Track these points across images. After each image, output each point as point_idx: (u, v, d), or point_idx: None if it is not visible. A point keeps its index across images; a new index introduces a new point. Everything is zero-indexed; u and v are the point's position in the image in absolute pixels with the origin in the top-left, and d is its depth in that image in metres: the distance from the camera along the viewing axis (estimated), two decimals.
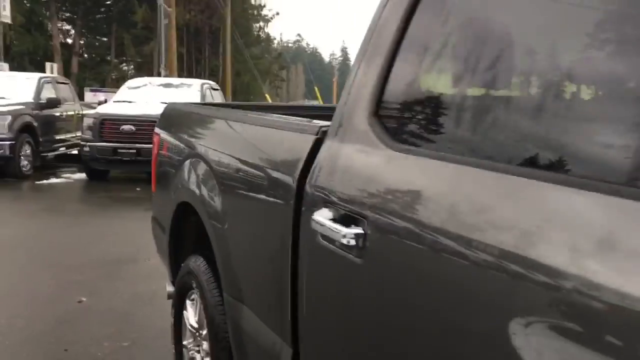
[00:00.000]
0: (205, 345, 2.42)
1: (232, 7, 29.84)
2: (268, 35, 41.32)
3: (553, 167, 0.98)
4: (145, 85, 11.16)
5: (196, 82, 11.71)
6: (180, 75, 23.45)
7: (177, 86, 11.14)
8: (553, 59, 1.10)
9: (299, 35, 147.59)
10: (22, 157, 9.98)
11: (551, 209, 0.90)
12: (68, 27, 33.39)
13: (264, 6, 39.96)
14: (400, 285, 1.18)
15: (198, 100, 10.51)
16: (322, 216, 1.41)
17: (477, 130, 1.21)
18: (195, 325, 2.51)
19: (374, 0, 1.54)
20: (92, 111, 10.52)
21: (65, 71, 31.01)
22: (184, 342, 2.66)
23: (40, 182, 9.79)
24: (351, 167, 1.44)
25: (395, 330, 1.19)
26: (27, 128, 10.17)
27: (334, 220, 1.37)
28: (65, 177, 10.43)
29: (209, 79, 28.68)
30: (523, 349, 0.86)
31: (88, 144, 9.62)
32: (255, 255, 1.95)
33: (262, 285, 1.88)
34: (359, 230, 1.28)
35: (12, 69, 22.94)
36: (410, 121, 1.45)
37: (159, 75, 16.89)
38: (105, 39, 34.43)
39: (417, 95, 1.45)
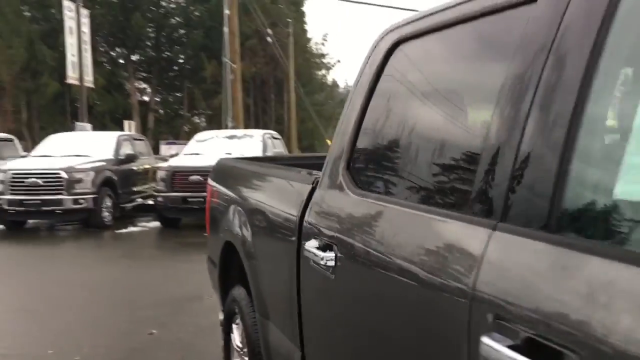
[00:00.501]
0: None
1: (294, 58, 31.17)
2: (334, 81, 42.53)
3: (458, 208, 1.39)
4: (212, 138, 12.06)
5: (258, 133, 12.52)
6: (247, 125, 24.67)
7: (240, 137, 11.97)
8: (455, 126, 1.56)
9: None
10: (103, 209, 10.98)
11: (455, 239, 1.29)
12: (144, 85, 35.75)
13: (326, 54, 41.33)
14: (359, 294, 1.65)
15: (260, 149, 11.28)
16: (311, 245, 1.91)
17: (405, 182, 1.68)
18: (240, 345, 3.01)
19: None
20: (164, 164, 11.45)
21: (143, 126, 33.14)
22: None
23: (120, 231, 10.71)
24: (329, 207, 1.94)
25: (360, 329, 1.65)
26: (108, 182, 11.19)
27: (318, 247, 1.86)
28: (141, 226, 11.33)
29: (275, 127, 29.96)
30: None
31: (161, 194, 10.50)
32: (274, 279, 2.45)
33: (280, 303, 2.37)
34: (332, 254, 1.76)
35: (95, 127, 24.94)
36: (366, 174, 1.93)
37: (226, 127, 17.97)
38: (179, 94, 36.57)
39: (372, 155, 1.94)
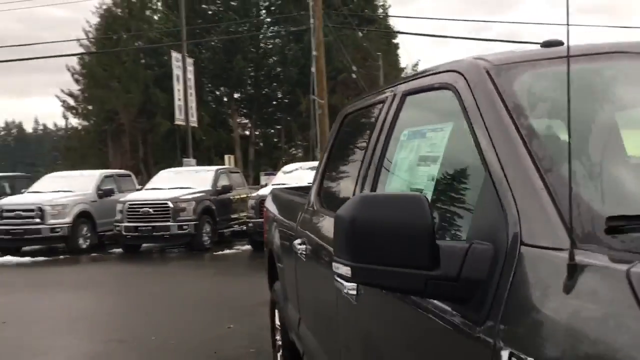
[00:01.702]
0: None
1: None
2: None
3: None
4: (297, 169, 13.44)
5: None
6: None
7: None
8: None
9: None
10: (203, 234, 12.62)
11: None
12: (246, 120, 38.34)
13: None
14: (316, 271, 2.77)
15: None
16: (297, 243, 3.06)
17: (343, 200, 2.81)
18: (278, 324, 4.18)
19: None
20: (254, 194, 12.96)
21: (244, 159, 35.55)
22: (276, 337, 4.33)
23: (217, 252, 12.28)
24: (307, 219, 3.09)
25: (318, 295, 2.77)
26: (207, 210, 12.85)
27: (300, 244, 3.01)
28: (235, 249, 12.85)
29: None
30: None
31: (251, 220, 11.96)
32: (287, 271, 3.62)
33: (290, 287, 3.53)
34: (304, 246, 2.90)
35: (201, 161, 27.39)
36: (325, 196, 3.06)
37: (314, 158, 19.40)
38: (277, 127, 38.85)
39: (330, 185, 3.07)
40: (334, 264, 1.40)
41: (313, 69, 19.36)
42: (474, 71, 1.66)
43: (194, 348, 5.35)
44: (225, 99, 37.52)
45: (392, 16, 40.29)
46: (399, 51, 45.99)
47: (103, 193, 14.00)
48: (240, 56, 33.03)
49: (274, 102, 37.97)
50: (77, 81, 34.91)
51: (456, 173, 1.64)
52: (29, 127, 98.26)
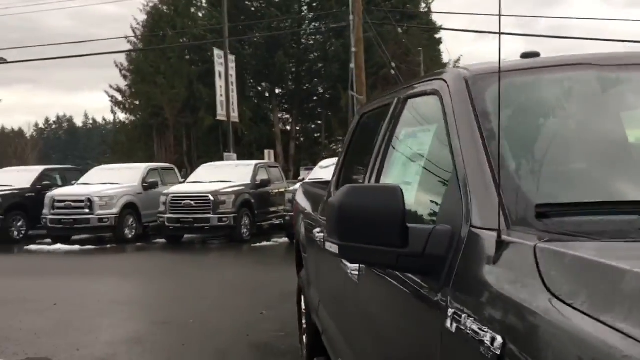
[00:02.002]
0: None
1: None
2: None
3: None
4: (333, 164, 13.69)
5: None
6: None
7: None
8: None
9: None
10: (242, 226, 13.06)
11: None
12: (287, 116, 38.84)
13: None
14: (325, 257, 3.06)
15: None
16: (317, 231, 3.35)
17: None
18: (304, 308, 4.49)
19: None
20: (291, 188, 13.32)
21: (285, 154, 36.04)
22: (302, 321, 4.64)
23: (255, 244, 12.70)
24: (325, 208, 3.37)
25: (329, 278, 3.06)
26: (246, 204, 13.27)
27: (319, 232, 3.30)
28: (273, 241, 13.24)
29: None
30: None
31: (288, 214, 12.31)
32: (310, 259, 3.91)
33: (312, 273, 3.83)
34: (322, 234, 3.19)
35: (243, 155, 27.98)
36: None
37: None
38: (319, 122, 39.21)
39: (347, 177, 3.35)
40: (326, 243, 1.69)
41: (352, 65, 19.58)
42: (456, 80, 1.92)
43: (228, 331, 5.71)
44: (267, 95, 38.07)
45: (433, 12, 39.97)
46: (442, 46, 45.76)
47: (148, 185, 14.60)
48: (282, 52, 33.45)
49: (315, 98, 38.33)
50: (125, 77, 36.04)
51: (434, 168, 1.90)
52: (79, 121, 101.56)
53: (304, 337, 4.44)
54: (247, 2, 35.31)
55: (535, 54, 2.02)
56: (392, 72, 24.43)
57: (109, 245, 13.30)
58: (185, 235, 13.78)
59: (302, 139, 39.30)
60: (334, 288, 3.00)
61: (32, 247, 13.34)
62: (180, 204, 12.82)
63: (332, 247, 1.63)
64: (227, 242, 13.18)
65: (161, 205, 13.11)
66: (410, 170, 2.13)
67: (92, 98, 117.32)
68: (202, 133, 33.75)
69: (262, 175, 14.36)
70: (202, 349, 5.18)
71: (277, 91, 37.73)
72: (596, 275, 1.03)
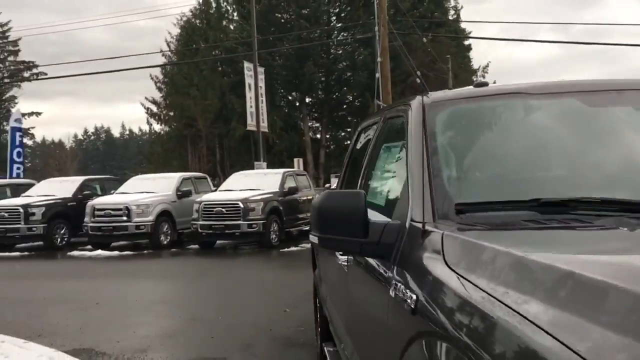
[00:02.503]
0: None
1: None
2: None
3: None
4: None
5: None
6: None
7: None
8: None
9: None
10: (271, 232, 13.61)
11: None
12: (317, 124, 39.47)
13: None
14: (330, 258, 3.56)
15: None
16: None
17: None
18: (318, 304, 4.98)
19: None
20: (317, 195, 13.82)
21: (315, 161, 36.62)
22: (317, 314, 5.13)
23: (283, 249, 13.24)
24: None
25: (333, 279, 3.55)
26: (274, 210, 13.83)
27: None
28: (301, 246, 13.74)
29: None
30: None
31: None
32: (321, 258, 4.41)
33: (322, 271, 4.32)
34: None
35: (274, 163, 28.65)
36: None
37: None
38: (349, 130, 39.73)
39: (347, 185, 3.83)
40: (310, 235, 2.19)
41: (378, 75, 20.03)
42: (416, 106, 2.40)
43: (253, 326, 6.24)
44: (297, 104, 38.77)
45: (461, 21, 40.13)
46: (471, 52, 45.84)
47: (182, 194, 15.31)
48: (311, 62, 34.11)
49: (344, 106, 38.87)
50: (159, 89, 37.23)
51: (398, 177, 2.38)
52: (116, 132, 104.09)
53: (318, 330, 4.93)
54: (277, 15, 36.12)
55: (484, 84, 2.49)
56: (418, 80, 24.75)
57: (145, 251, 14.02)
58: (217, 241, 14.40)
59: (332, 147, 39.83)
60: (335, 280, 3.48)
61: (75, 253, 14.15)
62: (212, 211, 13.45)
63: (314, 239, 2.13)
64: (256, 247, 13.76)
65: (194, 212, 13.76)
66: (384, 178, 2.62)
67: (129, 109, 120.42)
68: (235, 142, 34.59)
69: (290, 183, 14.91)
70: (228, 341, 5.71)
71: (307, 100, 38.40)
72: (471, 251, 1.51)
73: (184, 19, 36.49)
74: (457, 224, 1.77)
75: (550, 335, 1.03)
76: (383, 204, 2.47)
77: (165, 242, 14.57)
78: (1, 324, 6.48)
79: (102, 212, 14.32)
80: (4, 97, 49.17)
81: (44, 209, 15.01)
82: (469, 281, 1.41)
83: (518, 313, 1.15)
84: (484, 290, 1.33)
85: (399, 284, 1.78)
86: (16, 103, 49.08)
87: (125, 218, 14.14)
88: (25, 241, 15.33)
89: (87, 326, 6.52)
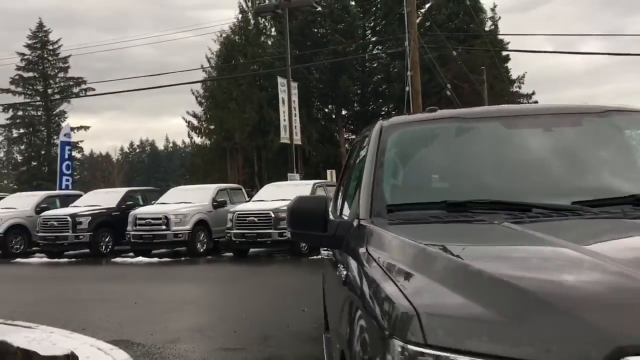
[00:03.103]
0: None
1: (489, 103, 32.69)
2: None
3: None
4: None
5: None
6: None
7: None
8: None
9: None
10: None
11: None
12: (352, 136, 40.06)
13: (527, 94, 41.86)
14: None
15: None
16: None
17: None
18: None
19: None
20: None
21: None
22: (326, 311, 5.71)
23: (312, 257, 13.81)
24: None
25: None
26: None
27: None
28: None
29: None
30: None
31: None
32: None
33: (323, 271, 4.91)
34: None
35: (310, 175, 29.34)
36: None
37: None
38: None
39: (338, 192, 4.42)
40: (290, 229, 2.79)
41: (407, 88, 20.52)
42: (376, 127, 2.99)
43: (273, 323, 6.85)
44: (333, 116, 39.49)
45: (497, 34, 40.21)
46: (515, 62, 45.74)
47: (217, 204, 16.10)
48: (346, 76, 34.78)
49: (380, 118, 39.32)
50: (200, 104, 38.50)
51: (359, 185, 2.97)
52: (160, 145, 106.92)
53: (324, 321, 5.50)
54: (313, 30, 36.99)
55: (434, 110, 3.05)
56: (448, 93, 25.14)
57: (183, 258, 14.84)
58: (251, 249, 15.10)
59: None
60: (324, 274, 4.07)
61: (118, 259, 15.09)
62: (245, 220, 14.16)
63: (288, 233, 2.74)
64: (288, 255, 14.39)
65: (228, 221, 14.50)
66: (353, 186, 3.21)
67: (173, 122, 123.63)
68: (272, 154, 35.46)
69: (320, 193, 15.51)
70: (249, 335, 6.34)
71: (343, 113, 39.07)
72: (380, 239, 2.08)
73: (224, 35, 37.73)
74: (387, 219, 2.35)
75: (407, 299, 1.54)
76: (349, 206, 3.06)
77: (201, 250, 15.35)
78: (51, 319, 7.26)
79: (143, 222, 15.21)
80: (54, 112, 51.50)
81: (90, 218, 16.02)
82: (374, 260, 1.98)
83: (394, 282, 1.70)
84: (380, 267, 1.89)
85: (341, 265, 2.36)
86: (66, 117, 51.35)
87: (164, 227, 14.99)
88: (73, 248, 16.37)
89: (125, 322, 7.25)
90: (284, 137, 20.39)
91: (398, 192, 2.56)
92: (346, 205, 3.32)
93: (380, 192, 2.51)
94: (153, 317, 7.55)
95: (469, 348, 1.31)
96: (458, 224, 2.14)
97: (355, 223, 2.49)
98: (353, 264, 2.17)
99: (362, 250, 2.12)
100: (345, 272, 2.20)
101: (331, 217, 2.70)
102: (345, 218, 2.93)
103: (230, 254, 15.10)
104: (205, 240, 15.60)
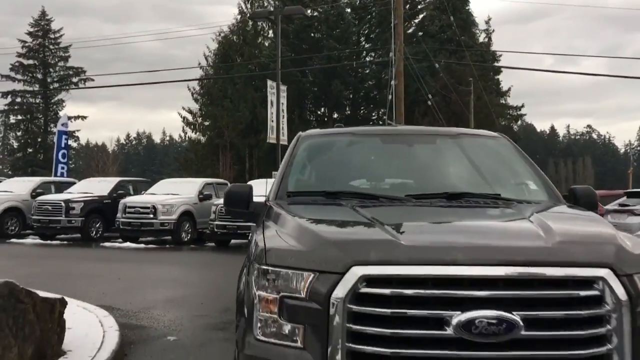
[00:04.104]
0: None
1: (475, 114, 33.89)
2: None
3: None
4: None
5: None
6: None
7: None
8: None
9: (589, 126, 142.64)
10: None
11: None
12: None
13: (514, 106, 43.05)
14: None
15: None
16: None
17: None
18: None
19: None
20: None
21: None
22: None
23: None
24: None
25: None
26: None
27: None
28: None
29: None
30: None
31: None
32: None
33: None
34: None
35: None
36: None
37: None
38: None
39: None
40: (224, 207, 3.87)
41: (390, 97, 21.61)
42: (296, 137, 4.06)
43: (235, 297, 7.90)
44: (325, 119, 40.59)
45: (484, 50, 41.35)
46: (513, 74, 46.96)
47: (203, 197, 17.16)
48: (339, 80, 35.90)
49: (371, 122, 40.47)
50: (196, 100, 39.49)
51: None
52: (157, 138, 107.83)
53: None
54: (310, 34, 38.08)
55: (340, 126, 4.14)
56: (429, 103, 26.27)
57: (167, 246, 15.89)
58: (232, 240, 16.15)
59: None
60: None
61: (107, 244, 16.12)
62: (228, 214, 15.22)
63: (224, 210, 3.81)
64: None
65: (212, 214, 15.55)
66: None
67: (170, 116, 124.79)
68: (263, 153, 36.50)
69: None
70: (213, 306, 7.40)
71: (334, 116, 40.19)
72: (270, 212, 3.16)
73: (222, 34, 38.73)
74: (286, 201, 3.42)
75: (264, 243, 2.62)
76: (269, 192, 4.15)
77: (186, 239, 16.40)
78: (44, 289, 8.27)
79: (132, 210, 16.24)
80: (52, 100, 52.32)
81: (82, 204, 17.03)
82: (263, 223, 3.05)
83: (263, 235, 2.76)
84: (263, 227, 2.96)
85: (251, 233, 3.43)
86: (64, 106, 52.18)
87: (151, 216, 16.02)
88: (65, 232, 17.38)
89: (108, 293, 8.29)
90: (271, 137, 21.45)
91: (298, 184, 3.64)
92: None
93: (286, 182, 3.58)
94: (133, 290, 8.60)
95: (288, 264, 2.39)
96: (324, 205, 3.22)
97: (266, 203, 3.56)
98: (254, 228, 3.24)
99: (262, 219, 3.19)
100: (250, 235, 3.26)
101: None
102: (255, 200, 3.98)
103: (213, 244, 16.14)
104: (190, 230, 16.64)
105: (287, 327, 2.37)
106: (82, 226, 16.88)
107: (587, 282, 2.24)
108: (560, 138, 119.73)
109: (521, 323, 2.14)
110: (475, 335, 2.14)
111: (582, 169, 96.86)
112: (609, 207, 13.01)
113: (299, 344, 2.33)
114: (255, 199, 3.69)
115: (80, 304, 6.75)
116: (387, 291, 2.21)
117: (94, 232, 17.29)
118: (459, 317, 2.14)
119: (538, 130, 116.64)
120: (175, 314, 7.03)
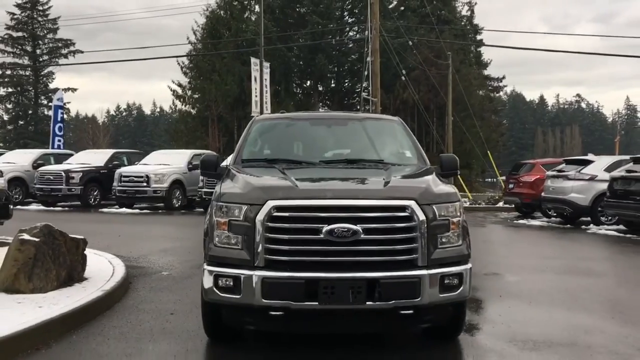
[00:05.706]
0: None
1: (454, 86, 35.44)
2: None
3: None
4: None
5: None
6: None
7: None
8: None
9: (578, 95, 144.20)
10: None
11: None
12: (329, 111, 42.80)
13: (495, 78, 44.51)
14: None
15: None
16: None
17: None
18: None
19: None
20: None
21: None
22: None
23: None
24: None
25: None
26: None
27: None
28: None
29: (436, 148, 34.65)
30: None
31: None
32: None
33: None
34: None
35: None
36: None
37: None
38: None
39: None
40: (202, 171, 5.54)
41: (365, 73, 23.13)
42: (251, 120, 5.71)
43: None
44: (311, 92, 42.06)
45: (462, 27, 42.60)
46: (483, 48, 48.37)
47: (192, 167, 18.76)
48: (323, 55, 37.25)
49: (355, 95, 42.00)
50: (185, 74, 40.74)
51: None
52: (147, 109, 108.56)
53: None
54: (296, 9, 39.26)
55: (283, 112, 5.78)
56: (403, 78, 27.76)
57: (160, 211, 17.58)
58: None
59: None
60: None
61: (104, 210, 17.78)
62: (214, 181, 16.85)
63: (201, 172, 5.46)
64: None
65: (200, 182, 17.19)
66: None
67: (160, 87, 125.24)
68: None
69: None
70: (199, 254, 9.03)
71: (319, 88, 41.64)
72: (228, 173, 4.82)
73: (209, 9, 39.82)
74: (241, 165, 5.07)
75: (220, 190, 4.28)
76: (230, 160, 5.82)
77: (176, 205, 18.08)
78: None
79: (127, 179, 17.85)
80: (42, 73, 53.13)
81: (81, 174, 18.61)
82: (222, 180, 4.71)
83: (220, 186, 4.43)
84: (222, 183, 4.62)
85: (216, 185, 5.09)
86: (54, 79, 53.06)
87: (145, 184, 17.66)
88: (65, 200, 18.99)
89: (111, 245, 9.95)
90: (255, 111, 22.98)
91: (250, 154, 5.29)
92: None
93: (241, 153, 5.22)
94: (132, 243, 10.30)
95: (231, 200, 4.07)
96: (263, 168, 4.88)
97: (227, 167, 5.21)
98: (218, 182, 4.90)
99: (223, 177, 4.84)
100: (213, 191, 4.93)
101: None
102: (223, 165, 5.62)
103: (202, 209, 17.81)
104: (180, 197, 18.31)
105: (232, 238, 4.05)
106: (81, 194, 18.48)
107: (402, 208, 3.93)
108: (550, 107, 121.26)
109: (361, 231, 3.82)
110: (335, 237, 3.82)
111: (569, 137, 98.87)
112: (549, 172, 14.74)
113: (239, 247, 4.01)
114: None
115: (91, 251, 8.42)
116: (287, 214, 3.89)
117: (92, 200, 18.90)
118: (326, 228, 3.82)
119: (527, 99, 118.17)
120: (168, 259, 8.73)
